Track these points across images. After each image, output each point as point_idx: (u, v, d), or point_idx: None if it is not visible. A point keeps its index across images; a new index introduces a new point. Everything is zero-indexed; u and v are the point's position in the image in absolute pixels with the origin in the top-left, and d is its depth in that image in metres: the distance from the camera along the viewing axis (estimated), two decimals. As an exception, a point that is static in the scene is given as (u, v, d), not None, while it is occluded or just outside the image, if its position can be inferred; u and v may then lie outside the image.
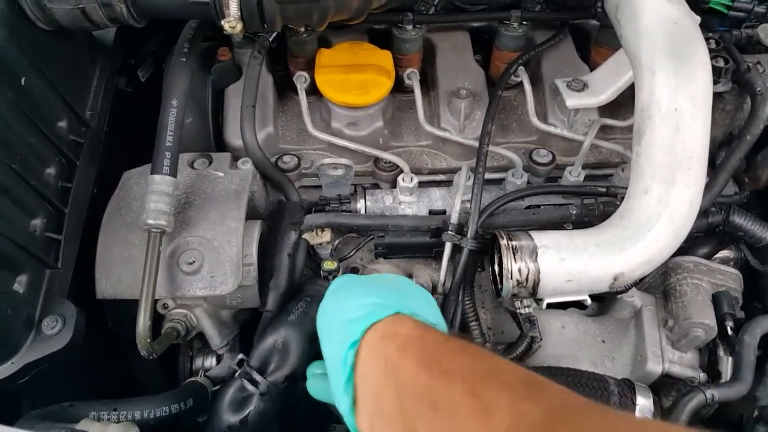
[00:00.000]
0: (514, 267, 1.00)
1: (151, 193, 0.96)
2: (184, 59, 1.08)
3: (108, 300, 1.02)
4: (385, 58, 1.22)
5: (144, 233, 0.97)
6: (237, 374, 0.98)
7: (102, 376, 1.07)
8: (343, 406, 0.75)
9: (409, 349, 0.70)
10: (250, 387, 0.96)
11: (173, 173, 0.98)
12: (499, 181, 1.27)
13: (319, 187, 1.24)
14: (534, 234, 1.03)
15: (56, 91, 0.97)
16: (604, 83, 1.17)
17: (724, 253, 1.30)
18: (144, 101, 1.32)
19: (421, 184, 1.23)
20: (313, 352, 1.01)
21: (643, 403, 0.97)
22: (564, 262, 0.99)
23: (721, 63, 1.16)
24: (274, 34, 1.22)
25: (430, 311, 0.85)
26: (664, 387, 1.17)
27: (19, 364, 0.86)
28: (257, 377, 0.97)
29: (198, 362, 1.22)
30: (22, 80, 0.91)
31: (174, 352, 1.23)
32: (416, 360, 0.69)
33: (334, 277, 1.19)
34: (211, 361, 1.21)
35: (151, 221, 0.95)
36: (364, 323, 0.76)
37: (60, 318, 0.89)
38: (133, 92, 1.37)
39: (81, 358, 0.98)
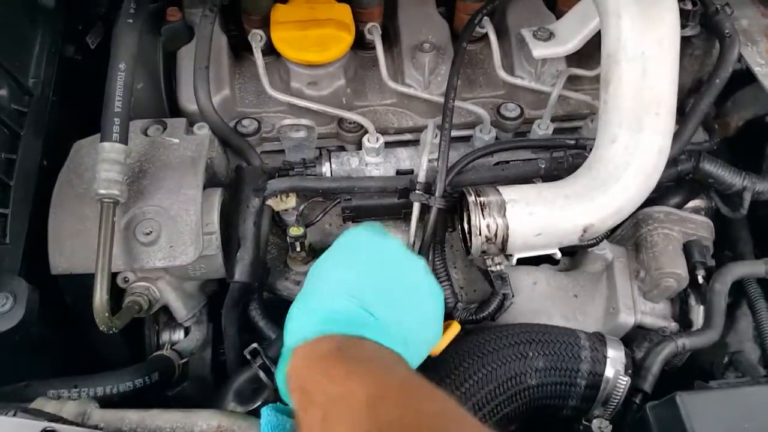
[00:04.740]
0: (482, 223, 0.98)
1: (102, 162, 0.92)
2: (131, 20, 1.01)
3: (63, 276, 0.99)
4: (344, 12, 1.16)
5: (97, 204, 0.93)
6: (254, 364, 0.93)
7: (64, 353, 1.03)
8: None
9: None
10: (265, 378, 0.92)
11: (123, 140, 0.93)
12: (467, 138, 1.24)
13: (282, 152, 1.20)
14: (502, 189, 1.01)
15: (-7, 57, 0.91)
16: (571, 31, 1.14)
17: (694, 203, 1.29)
18: (95, 69, 1.25)
19: (387, 144, 1.20)
20: None
21: (614, 355, 0.96)
22: (533, 216, 0.97)
23: (689, 5, 1.13)
24: (227, -10, 1.16)
25: (403, 323, 0.78)
26: (637, 338, 1.17)
27: (-32, 345, 0.82)
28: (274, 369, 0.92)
29: (165, 336, 1.18)
30: None
31: (139, 326, 1.19)
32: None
33: (301, 243, 1.16)
34: (178, 335, 1.18)
35: (102, 191, 0.90)
36: (313, 330, 0.74)
37: (11, 295, 0.85)
38: (82, 60, 1.30)
39: (39, 336, 0.94)
